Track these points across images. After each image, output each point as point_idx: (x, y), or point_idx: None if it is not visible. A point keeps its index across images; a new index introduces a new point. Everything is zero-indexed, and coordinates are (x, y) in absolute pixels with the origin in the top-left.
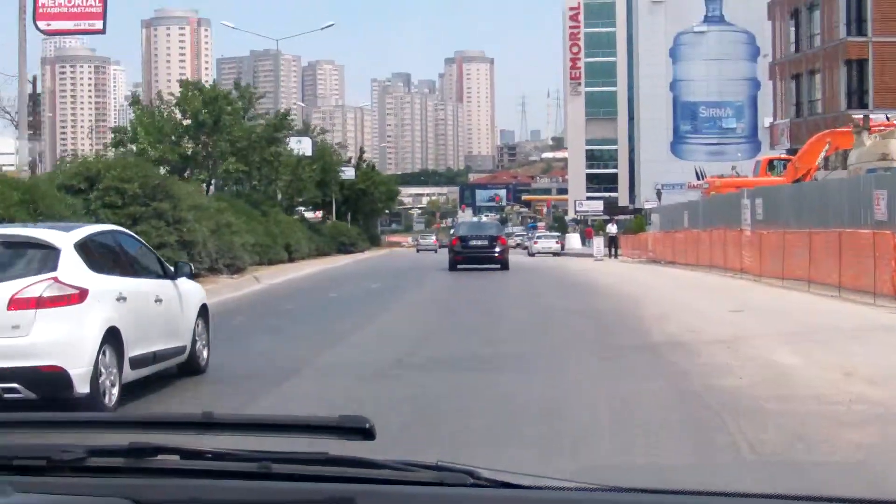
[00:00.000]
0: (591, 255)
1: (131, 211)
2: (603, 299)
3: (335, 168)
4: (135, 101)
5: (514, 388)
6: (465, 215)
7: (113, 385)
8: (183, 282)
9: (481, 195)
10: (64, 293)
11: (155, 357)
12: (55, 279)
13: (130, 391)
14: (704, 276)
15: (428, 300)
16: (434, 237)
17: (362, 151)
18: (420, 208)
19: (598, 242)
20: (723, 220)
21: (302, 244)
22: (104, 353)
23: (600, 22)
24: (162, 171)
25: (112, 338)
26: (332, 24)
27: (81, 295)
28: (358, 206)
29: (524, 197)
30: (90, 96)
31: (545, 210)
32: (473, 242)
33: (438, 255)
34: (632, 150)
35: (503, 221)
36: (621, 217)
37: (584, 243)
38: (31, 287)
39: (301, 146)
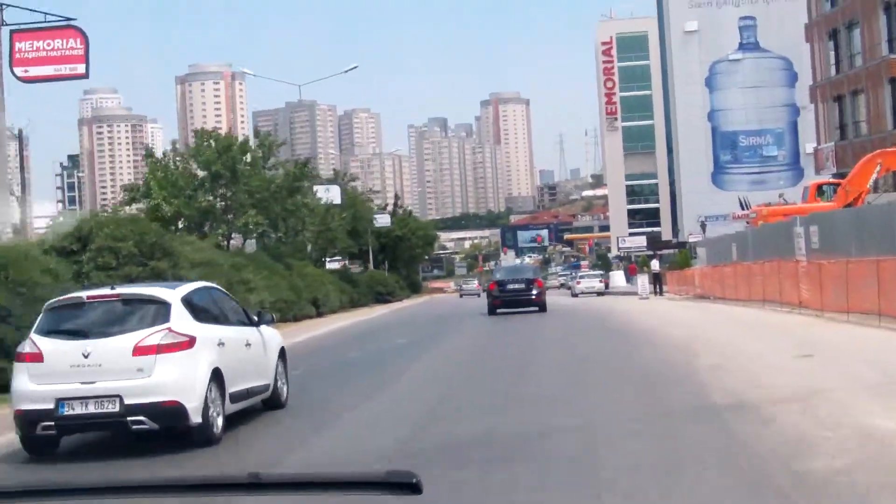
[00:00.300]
0: (636, 294)
1: (127, 272)
2: (648, 347)
3: (368, 216)
4: (148, 154)
5: (528, 489)
6: (508, 257)
7: (218, 416)
8: (265, 329)
9: (523, 236)
10: (177, 340)
11: (248, 393)
12: (169, 329)
13: (229, 423)
14: (759, 312)
15: (450, 359)
16: (476, 281)
17: (397, 198)
18: (459, 253)
19: (643, 280)
20: (774, 250)
21: (331, 297)
22: (211, 390)
23: (633, 55)
24: (179, 226)
25: (216, 377)
26: (356, 67)
27: (191, 342)
28: (396, 254)
29: (566, 236)
30: (128, 155)
31: (587, 248)
32: (511, 286)
33: (480, 300)
34: (672, 183)
35: (546, 262)
36: (665, 251)
37: (628, 280)
38: (150, 336)
39: (329, 195)
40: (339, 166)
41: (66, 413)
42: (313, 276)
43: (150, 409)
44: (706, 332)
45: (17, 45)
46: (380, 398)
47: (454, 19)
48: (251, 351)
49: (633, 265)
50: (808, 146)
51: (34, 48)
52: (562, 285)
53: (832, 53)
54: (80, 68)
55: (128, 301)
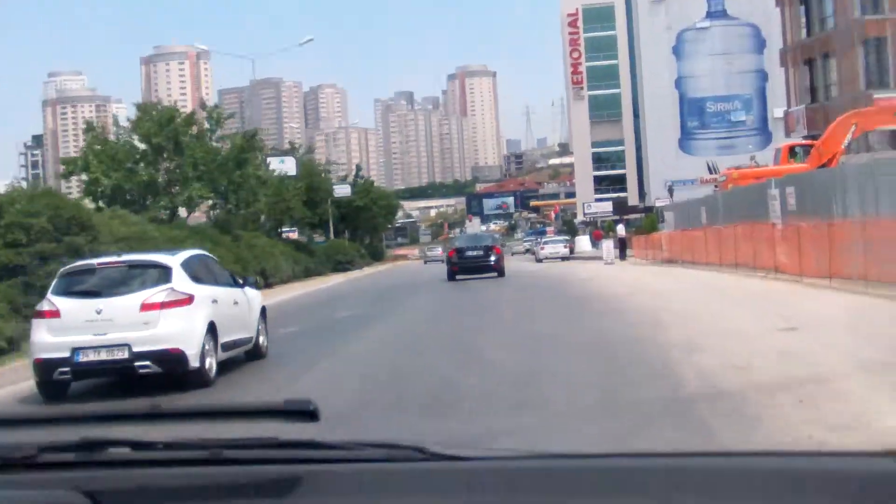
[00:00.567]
0: (601, 258)
1: (39, 249)
2: (614, 318)
3: (325, 186)
4: (89, 128)
5: None
6: (473, 225)
7: (212, 362)
8: (248, 290)
9: (489, 204)
10: (178, 297)
11: (235, 344)
12: (172, 288)
13: (220, 369)
14: (732, 278)
15: (393, 336)
16: (440, 248)
17: (358, 168)
18: (425, 221)
19: (608, 245)
20: (746, 214)
21: (282, 267)
22: (206, 340)
23: (599, 25)
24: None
25: (211, 329)
26: (312, 39)
27: (190, 299)
28: (357, 223)
29: (532, 203)
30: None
31: (554, 215)
32: (470, 253)
33: (443, 266)
34: (639, 150)
35: (512, 228)
36: (632, 216)
37: (593, 245)
38: (155, 294)
39: (284, 166)
40: (304, 141)
41: (80, 360)
42: (263, 246)
43: (156, 356)
44: (677, 301)
45: None
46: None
47: None
48: (238, 308)
49: (598, 230)
50: (776, 111)
51: None
52: (527, 251)
53: (803, 17)
54: None
55: (134, 266)
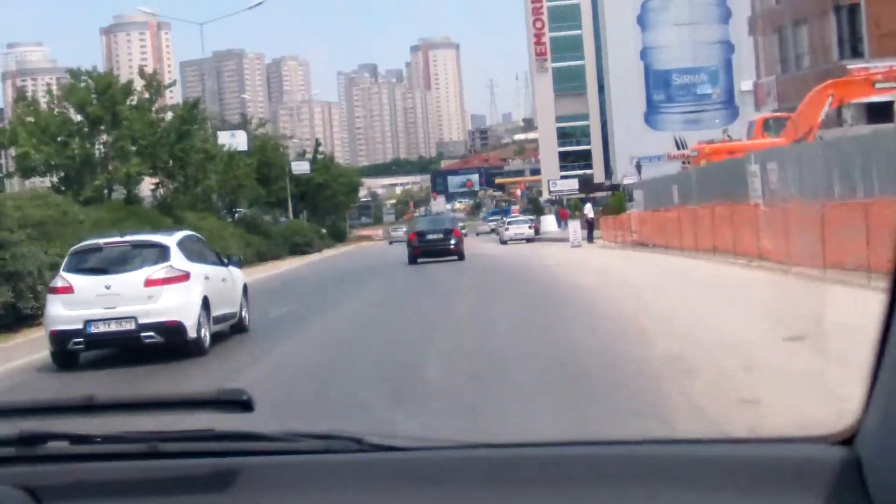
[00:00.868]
0: (567, 240)
1: None
2: (584, 322)
3: (280, 162)
4: (20, 97)
5: None
6: (438, 203)
7: (207, 333)
8: (233, 269)
9: (453, 181)
10: (177, 274)
11: (224, 317)
12: (170, 266)
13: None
14: (711, 266)
15: (325, 341)
16: (405, 228)
17: (318, 144)
18: (390, 199)
19: (574, 227)
20: (722, 192)
21: (232, 251)
22: (202, 313)
23: None
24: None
25: (205, 303)
26: (262, 2)
27: (187, 276)
28: (317, 202)
29: (497, 180)
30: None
31: (519, 193)
32: (430, 237)
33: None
34: (604, 125)
35: (477, 206)
36: (598, 194)
37: (559, 225)
38: (157, 271)
39: (235, 140)
40: (268, 115)
41: (92, 331)
42: (210, 229)
43: (158, 327)
44: (656, 298)
45: None
46: None
47: None
48: (225, 285)
49: (563, 209)
50: (743, 84)
51: None
52: (492, 230)
53: None
54: None
55: (136, 245)
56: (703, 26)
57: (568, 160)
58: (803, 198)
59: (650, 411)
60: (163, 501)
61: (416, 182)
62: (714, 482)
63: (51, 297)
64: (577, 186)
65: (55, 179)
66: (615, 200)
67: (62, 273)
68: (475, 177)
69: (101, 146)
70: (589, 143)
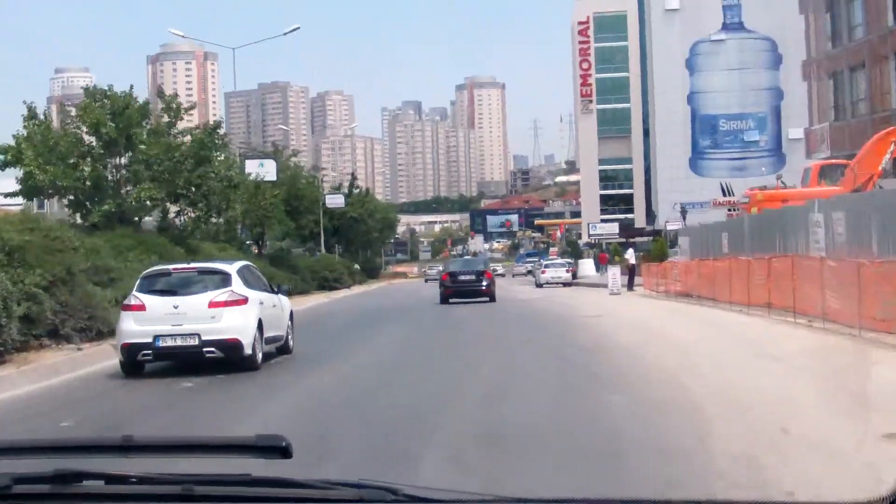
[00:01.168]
0: (605, 286)
1: None
2: (630, 397)
3: (311, 194)
4: (31, 115)
5: None
6: (476, 242)
7: (260, 351)
8: (281, 296)
9: (492, 221)
10: (237, 298)
11: (274, 339)
12: (231, 291)
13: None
14: (768, 325)
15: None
16: (440, 267)
17: (353, 178)
18: (428, 237)
19: (614, 273)
20: (779, 243)
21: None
22: (256, 333)
23: (611, 36)
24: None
25: (259, 325)
26: (298, 28)
27: (246, 300)
28: (351, 237)
29: (537, 222)
30: None
31: (558, 234)
32: (462, 277)
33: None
34: (648, 169)
35: (515, 247)
36: (639, 239)
37: (598, 269)
38: (220, 295)
39: (264, 169)
40: (309, 147)
41: (160, 345)
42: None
43: (219, 344)
44: (709, 363)
45: None
46: None
47: (429, 3)
48: (275, 310)
49: (603, 254)
50: (791, 131)
51: None
52: (529, 272)
53: (829, 26)
54: None
55: (201, 272)
56: (752, 72)
57: (609, 203)
58: (874, 251)
59: None
60: None
61: (455, 220)
62: None
63: (124, 314)
64: (617, 230)
65: (65, 202)
66: (657, 247)
67: (135, 293)
68: (514, 217)
69: (114, 170)
70: (631, 187)
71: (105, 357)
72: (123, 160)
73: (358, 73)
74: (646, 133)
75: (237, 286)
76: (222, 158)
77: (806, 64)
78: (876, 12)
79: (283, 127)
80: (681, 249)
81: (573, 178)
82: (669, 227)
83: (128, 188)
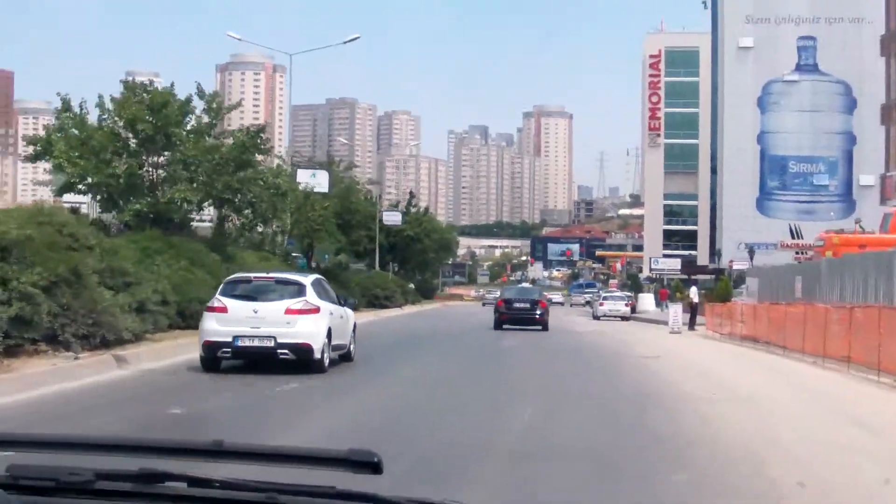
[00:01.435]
0: (664, 323)
1: None
2: (693, 483)
3: (364, 209)
4: (65, 108)
5: None
6: (535, 269)
7: (328, 356)
8: (347, 308)
9: (553, 249)
10: (310, 307)
11: (339, 347)
12: (306, 300)
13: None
14: (850, 382)
15: None
16: (498, 292)
17: (412, 195)
18: (488, 261)
19: (675, 310)
20: (858, 290)
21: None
22: (325, 340)
23: (682, 70)
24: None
25: (328, 333)
26: (358, 37)
27: (318, 309)
28: (406, 256)
29: (598, 253)
30: None
31: (618, 266)
32: (517, 305)
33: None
34: (713, 207)
35: (574, 277)
36: (701, 277)
37: (658, 305)
38: (295, 303)
39: (315, 180)
40: (374, 165)
41: (239, 345)
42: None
43: (292, 347)
44: (805, 441)
45: None
46: None
47: (500, 30)
48: (342, 321)
49: (664, 289)
50: (862, 178)
51: None
52: (587, 303)
53: None
54: None
55: (279, 281)
56: (825, 114)
57: (672, 239)
58: None
59: None
60: None
61: (515, 246)
62: None
63: (207, 315)
64: (679, 266)
65: (97, 199)
66: (722, 286)
67: (218, 296)
68: (575, 247)
69: (151, 168)
70: (695, 224)
71: (102, 369)
72: (161, 159)
73: (426, 95)
74: (713, 170)
75: (311, 297)
76: (268, 165)
77: (885, 108)
78: None
79: (343, 140)
80: (748, 290)
81: (637, 211)
82: (736, 267)
83: (164, 188)
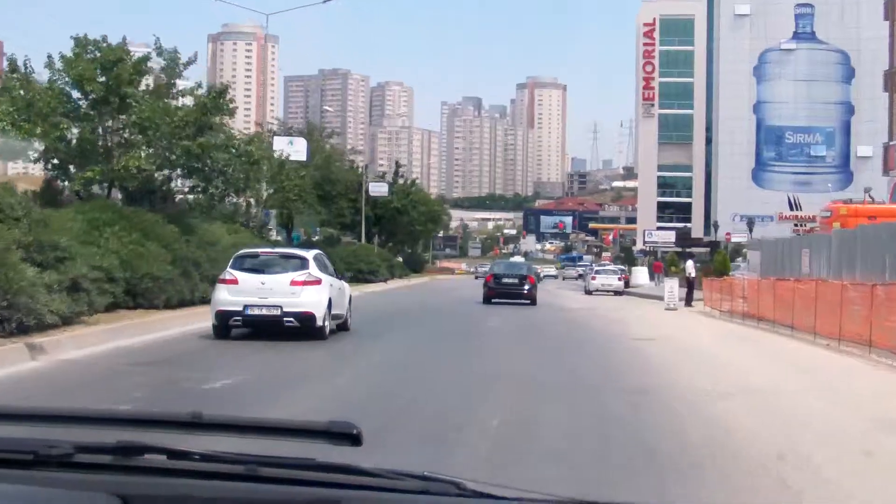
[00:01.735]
0: (659, 298)
1: None
2: (691, 484)
3: (346, 179)
4: (12, 68)
5: None
6: (527, 242)
7: (328, 324)
8: (343, 282)
9: (546, 222)
10: (313, 279)
11: (337, 317)
12: (309, 272)
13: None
14: (876, 371)
15: None
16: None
17: (398, 166)
18: (481, 233)
19: (671, 285)
20: (876, 264)
21: None
22: (326, 309)
23: (677, 39)
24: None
25: (329, 303)
26: None
27: (320, 281)
28: (393, 228)
29: (591, 225)
30: None
31: (611, 239)
32: (506, 280)
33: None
34: (708, 178)
35: (567, 249)
36: (696, 250)
37: (651, 278)
38: (299, 275)
39: (293, 147)
40: (367, 137)
41: (248, 313)
42: (239, 244)
43: (297, 315)
44: (840, 460)
45: None
46: None
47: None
48: (340, 292)
49: (658, 262)
50: (860, 148)
51: None
52: (579, 276)
53: None
54: None
55: (284, 256)
56: (822, 84)
57: (666, 211)
58: None
59: None
60: None
61: (508, 219)
62: None
63: (219, 286)
64: (673, 239)
65: (47, 167)
66: (719, 259)
67: (229, 269)
68: (568, 219)
69: (107, 132)
70: (690, 196)
71: (12, 359)
72: (117, 123)
73: (419, 66)
74: (708, 141)
75: (313, 269)
76: (239, 131)
77: (888, 74)
78: None
79: (328, 108)
80: (749, 264)
81: (630, 184)
82: (736, 240)
83: (118, 155)
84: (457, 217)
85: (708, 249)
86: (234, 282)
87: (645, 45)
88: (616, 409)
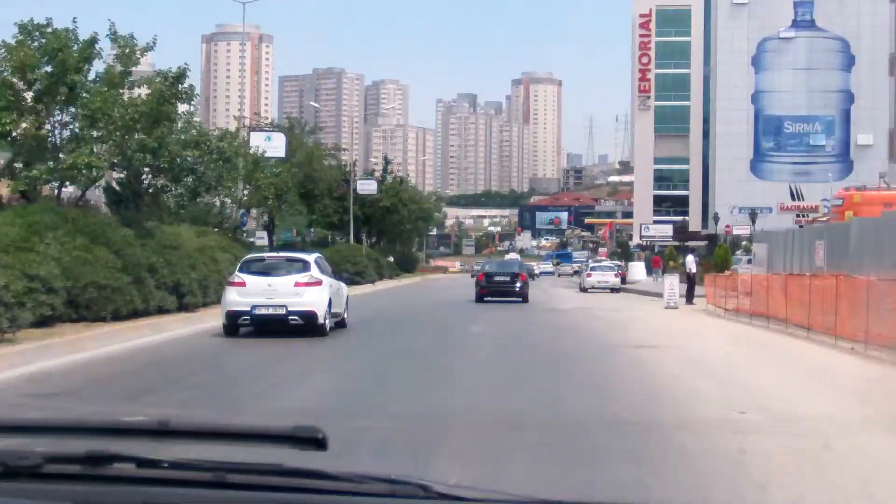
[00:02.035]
0: (658, 295)
1: None
2: None
3: (329, 176)
4: None
5: None
6: (523, 239)
7: (328, 322)
8: (342, 283)
9: (541, 218)
10: (315, 280)
11: (336, 315)
12: (311, 274)
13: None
14: None
15: None
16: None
17: (387, 162)
18: (477, 231)
19: (671, 282)
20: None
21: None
22: (326, 308)
23: (673, 30)
24: None
25: (329, 302)
26: None
27: (321, 282)
28: (383, 227)
29: (587, 220)
30: None
31: (607, 233)
32: (497, 278)
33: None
34: (706, 170)
35: (563, 245)
36: (694, 243)
37: (650, 273)
38: (302, 277)
39: (271, 144)
40: (362, 136)
41: (256, 313)
42: (204, 249)
43: (300, 314)
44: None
45: None
46: None
47: None
48: (338, 292)
49: (657, 256)
50: (860, 137)
51: None
52: (575, 272)
53: None
54: None
55: (288, 260)
56: (822, 72)
57: (663, 205)
58: None
59: None
60: None
61: (504, 216)
62: None
63: (228, 288)
64: (671, 233)
65: None
66: (720, 253)
67: (238, 273)
68: (564, 215)
69: (57, 127)
70: (687, 189)
71: None
72: (66, 116)
73: (414, 65)
74: (705, 134)
75: (314, 271)
76: (201, 125)
77: (893, 58)
78: None
79: (314, 104)
80: (755, 258)
81: (626, 178)
82: (735, 232)
83: (69, 149)
84: (452, 215)
85: (706, 243)
86: (242, 284)
87: (641, 36)
88: (611, 463)
